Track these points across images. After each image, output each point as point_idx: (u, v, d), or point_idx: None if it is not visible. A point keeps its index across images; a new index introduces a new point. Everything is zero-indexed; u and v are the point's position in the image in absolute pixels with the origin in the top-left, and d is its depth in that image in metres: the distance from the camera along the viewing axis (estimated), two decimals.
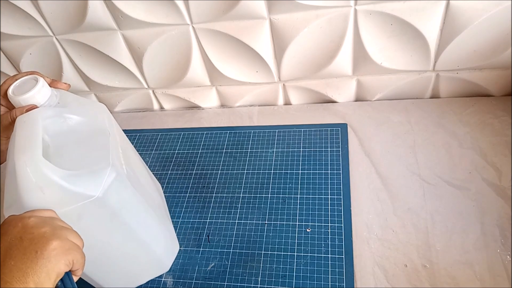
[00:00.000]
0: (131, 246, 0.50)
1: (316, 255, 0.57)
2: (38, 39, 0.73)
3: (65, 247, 0.36)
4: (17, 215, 0.38)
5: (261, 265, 0.57)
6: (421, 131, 0.69)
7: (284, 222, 0.61)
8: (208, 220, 0.64)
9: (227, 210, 0.65)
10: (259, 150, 0.72)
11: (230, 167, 0.71)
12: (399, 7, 0.60)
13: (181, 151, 0.76)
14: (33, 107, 0.43)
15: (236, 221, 0.63)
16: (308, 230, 0.59)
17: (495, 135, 0.65)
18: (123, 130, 0.55)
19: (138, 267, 0.55)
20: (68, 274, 0.37)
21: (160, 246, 0.56)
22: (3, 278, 0.32)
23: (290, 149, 0.71)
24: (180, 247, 0.61)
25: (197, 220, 0.64)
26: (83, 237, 0.40)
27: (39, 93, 0.43)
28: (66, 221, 0.40)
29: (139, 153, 0.62)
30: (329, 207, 0.61)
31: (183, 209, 0.66)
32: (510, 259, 0.52)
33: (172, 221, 0.64)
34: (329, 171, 0.66)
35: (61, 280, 0.36)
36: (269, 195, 0.65)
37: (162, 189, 0.69)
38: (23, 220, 0.36)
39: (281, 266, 0.56)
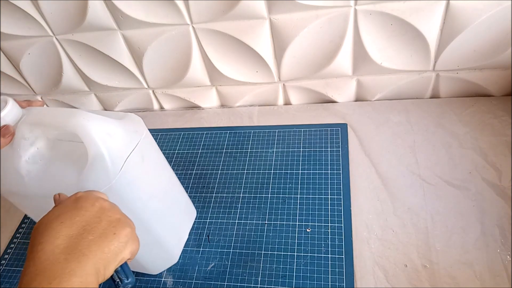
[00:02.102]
0: (175, 190, 0.59)
1: (316, 255, 0.57)
2: (38, 39, 0.73)
3: (133, 237, 0.39)
4: (91, 193, 0.40)
5: (261, 265, 0.57)
6: (421, 131, 0.69)
7: (284, 222, 0.61)
8: (208, 220, 0.64)
9: (227, 210, 0.65)
10: (259, 150, 0.72)
11: (230, 167, 0.71)
12: (399, 7, 0.60)
13: (181, 151, 0.76)
14: (7, 128, 0.44)
15: (236, 221, 0.63)
16: (308, 230, 0.59)
17: (495, 135, 0.65)
18: None
19: (182, 214, 0.61)
20: (125, 263, 0.39)
21: (185, 194, 0.63)
22: (80, 250, 0.35)
23: (290, 149, 0.71)
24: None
25: (197, 220, 0.64)
26: (148, 183, 0.50)
27: (10, 113, 0.43)
28: (136, 165, 0.46)
29: None
30: (329, 207, 0.61)
31: None
32: (510, 259, 0.52)
33: None
34: (329, 171, 0.66)
35: (121, 266, 0.38)
36: (269, 195, 0.65)
37: None
38: (99, 201, 0.39)
39: (281, 266, 0.56)
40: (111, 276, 0.38)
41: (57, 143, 0.47)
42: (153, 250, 0.55)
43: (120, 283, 0.38)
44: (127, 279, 0.38)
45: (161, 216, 0.54)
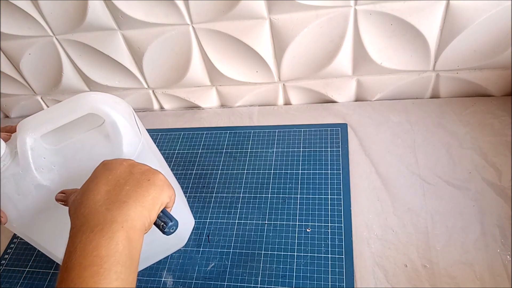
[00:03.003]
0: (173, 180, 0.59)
1: (316, 255, 0.57)
2: (38, 39, 0.73)
3: (167, 182, 0.41)
4: (117, 158, 0.42)
5: (261, 265, 0.57)
6: (421, 131, 0.69)
7: (284, 222, 0.61)
8: (208, 220, 0.64)
9: (227, 210, 0.65)
10: (259, 150, 0.72)
11: (230, 167, 0.71)
12: (399, 7, 0.60)
13: (181, 151, 0.76)
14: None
15: (236, 221, 0.63)
16: (308, 230, 0.59)
17: (495, 135, 0.65)
18: None
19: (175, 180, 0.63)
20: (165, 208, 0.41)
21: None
22: (120, 199, 0.36)
23: (290, 149, 0.71)
24: (180, 247, 0.62)
25: (197, 220, 0.64)
26: (151, 145, 0.52)
27: None
28: (141, 129, 0.49)
29: None
30: (329, 207, 0.61)
31: None
32: (510, 259, 0.52)
33: None
34: (329, 171, 0.66)
35: (162, 211, 0.40)
36: (269, 195, 0.65)
37: None
38: (126, 161, 0.41)
39: (281, 266, 0.56)
40: (155, 223, 0.39)
41: (57, 150, 0.45)
42: (179, 209, 0.56)
43: (165, 225, 0.39)
44: (171, 221, 0.40)
45: (171, 179, 0.57)
